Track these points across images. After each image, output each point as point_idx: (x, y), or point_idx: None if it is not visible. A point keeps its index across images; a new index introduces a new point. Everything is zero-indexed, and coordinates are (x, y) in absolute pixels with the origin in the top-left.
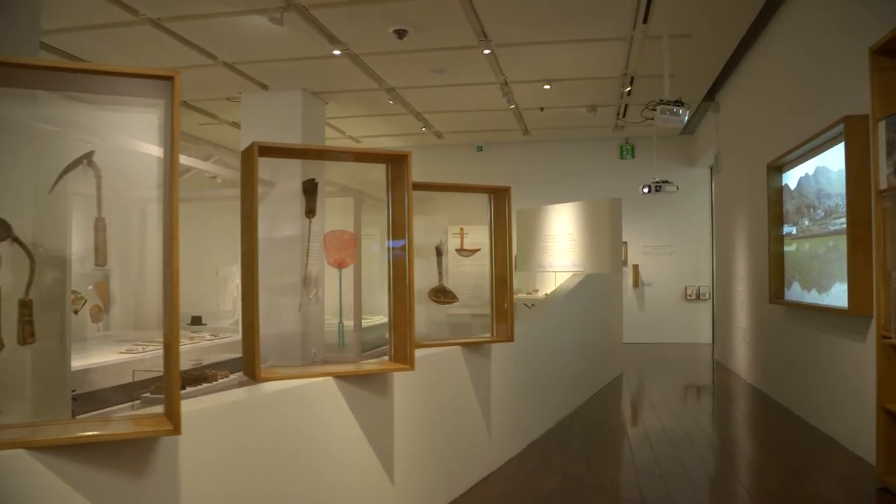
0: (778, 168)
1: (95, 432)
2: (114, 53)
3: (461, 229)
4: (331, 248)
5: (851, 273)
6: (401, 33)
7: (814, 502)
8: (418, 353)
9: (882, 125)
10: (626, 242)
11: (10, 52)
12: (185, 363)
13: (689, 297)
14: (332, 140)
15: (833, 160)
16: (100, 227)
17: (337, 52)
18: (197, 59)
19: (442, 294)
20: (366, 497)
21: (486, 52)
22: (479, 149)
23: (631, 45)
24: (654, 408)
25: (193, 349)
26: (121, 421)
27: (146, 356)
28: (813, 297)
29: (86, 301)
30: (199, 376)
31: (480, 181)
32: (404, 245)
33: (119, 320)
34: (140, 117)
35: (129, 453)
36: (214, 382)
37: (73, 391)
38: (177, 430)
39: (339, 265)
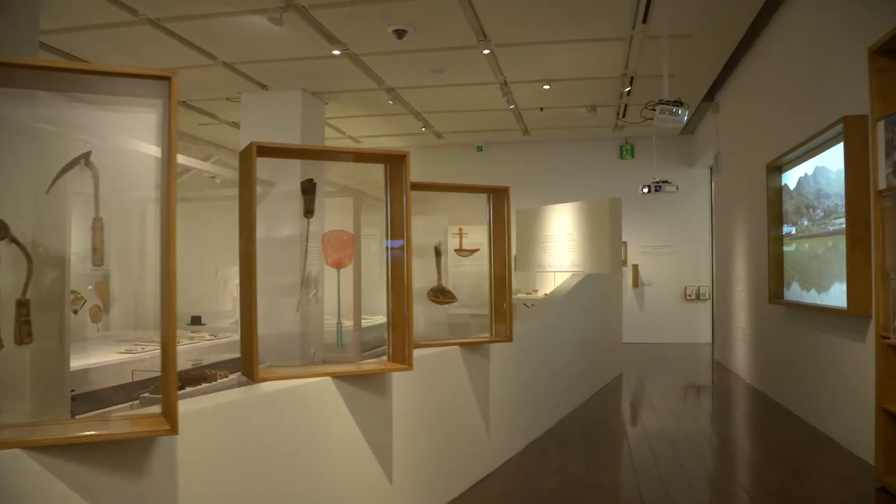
0: (777, 168)
1: (92, 432)
2: (114, 53)
3: (460, 229)
4: (329, 249)
5: (850, 273)
6: (400, 33)
7: (812, 502)
8: (417, 353)
9: (881, 125)
10: (625, 242)
11: (9, 53)
12: (185, 363)
13: (688, 297)
14: (332, 140)
15: (832, 160)
16: (97, 227)
17: (336, 53)
18: (196, 59)
19: (441, 294)
20: (364, 497)
21: (486, 52)
22: (479, 149)
23: (630, 46)
24: (653, 408)
25: (193, 349)
26: (118, 421)
27: (145, 356)
28: (812, 297)
29: (85, 301)
30: (198, 376)
31: (480, 181)
32: (403, 245)
33: (119, 320)
34: (140, 117)
35: (127, 453)
36: (214, 382)
37: (72, 391)
38: (174, 430)
39: (338, 265)
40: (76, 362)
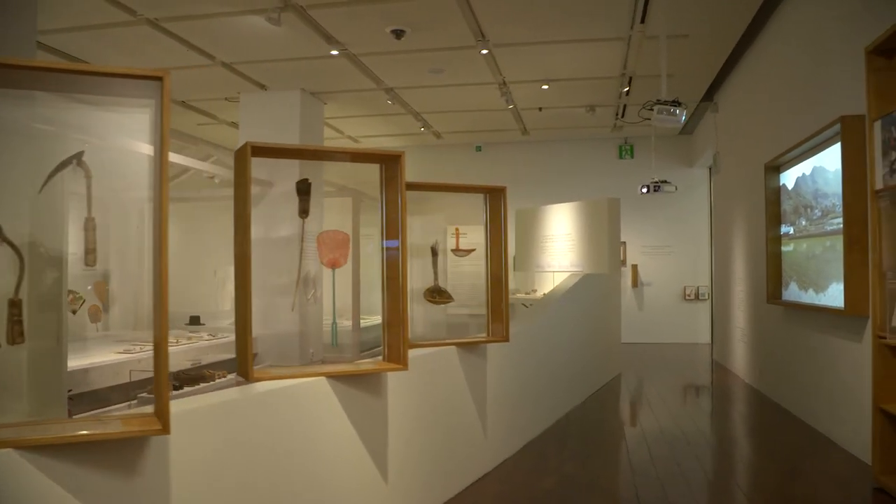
0: (775, 168)
1: (84, 432)
2: (113, 54)
3: (456, 229)
4: (324, 248)
5: (848, 273)
6: (398, 33)
7: (810, 503)
8: (413, 353)
9: (878, 125)
10: (624, 242)
11: (6, 54)
12: (183, 363)
13: (687, 297)
14: (332, 140)
15: (830, 160)
16: (90, 227)
17: (335, 53)
18: (195, 60)
19: (437, 294)
20: (359, 497)
21: (484, 52)
22: (478, 149)
23: (629, 46)
24: (651, 408)
25: (191, 349)
26: (110, 421)
27: (143, 356)
28: (810, 298)
29: (84, 301)
30: (196, 376)
31: (479, 181)
32: (398, 245)
33: (118, 320)
34: (137, 117)
35: (120, 453)
36: (212, 382)
37: (70, 391)
38: (165, 429)
39: (333, 265)
40: (75, 362)
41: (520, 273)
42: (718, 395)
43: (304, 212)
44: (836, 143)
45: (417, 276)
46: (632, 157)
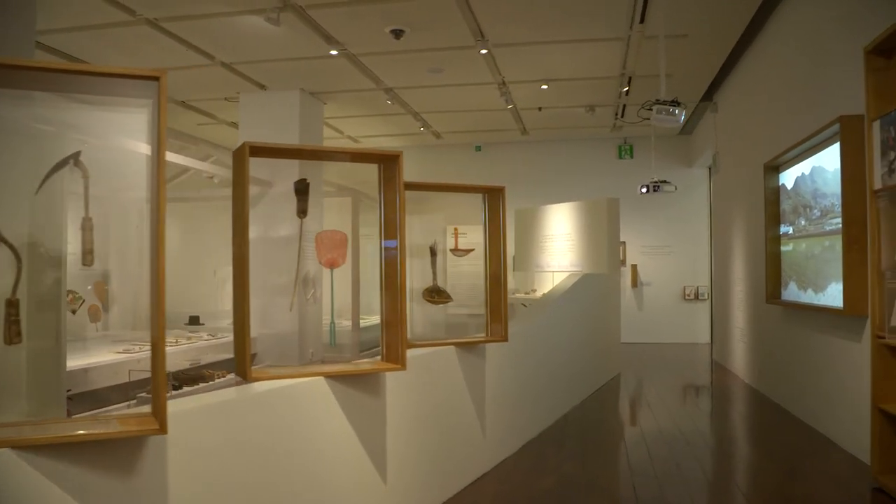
0: (775, 168)
1: (81, 432)
2: (113, 54)
3: (455, 229)
4: (322, 248)
5: (846, 273)
6: (397, 33)
7: (808, 503)
8: (411, 353)
9: (877, 125)
10: (624, 242)
11: (5, 54)
12: (183, 363)
13: (687, 297)
14: (331, 140)
15: (829, 160)
16: (87, 226)
17: (334, 53)
18: (195, 59)
19: (436, 294)
20: (358, 497)
21: (484, 52)
22: (478, 149)
23: (628, 46)
24: (650, 408)
25: (191, 349)
26: (108, 421)
27: (142, 356)
28: (809, 297)
29: (84, 301)
30: (196, 376)
31: (479, 181)
32: (396, 245)
33: (118, 320)
34: (138, 117)
35: (118, 453)
36: (212, 382)
37: (69, 391)
38: (163, 429)
39: (331, 265)
40: (74, 362)
41: (519, 273)
42: (718, 395)
43: (302, 212)
44: (835, 142)
45: (417, 276)
46: (631, 156)
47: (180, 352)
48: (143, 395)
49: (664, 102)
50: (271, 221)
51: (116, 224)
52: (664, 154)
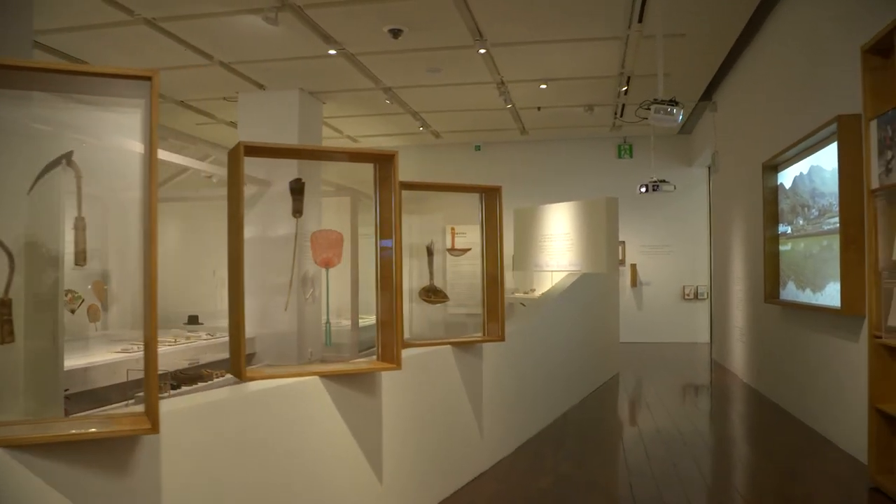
0: (773, 167)
1: (74, 431)
2: (113, 53)
3: (452, 229)
4: (317, 248)
5: (844, 273)
6: (396, 33)
7: (806, 502)
8: (407, 352)
9: (874, 124)
10: (623, 242)
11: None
12: (182, 362)
13: (686, 297)
14: (331, 139)
15: (827, 159)
16: (80, 226)
17: (332, 52)
18: (193, 59)
19: (433, 293)
20: (354, 497)
21: (482, 51)
22: (478, 148)
23: (627, 45)
24: (649, 408)
25: (189, 348)
26: (100, 420)
27: (141, 355)
28: (807, 297)
29: (83, 300)
30: (194, 375)
31: (478, 180)
32: (391, 245)
33: (117, 320)
34: (136, 117)
35: (112, 452)
36: (210, 382)
37: (66, 390)
38: (155, 429)
39: (326, 265)
40: (73, 361)
41: (518, 272)
42: (716, 395)
43: (297, 211)
44: (832, 142)
45: (416, 276)
46: (630, 156)
47: (179, 351)
48: (140, 394)
49: (662, 102)
50: (270, 221)
51: (116, 224)
52: (663, 153)
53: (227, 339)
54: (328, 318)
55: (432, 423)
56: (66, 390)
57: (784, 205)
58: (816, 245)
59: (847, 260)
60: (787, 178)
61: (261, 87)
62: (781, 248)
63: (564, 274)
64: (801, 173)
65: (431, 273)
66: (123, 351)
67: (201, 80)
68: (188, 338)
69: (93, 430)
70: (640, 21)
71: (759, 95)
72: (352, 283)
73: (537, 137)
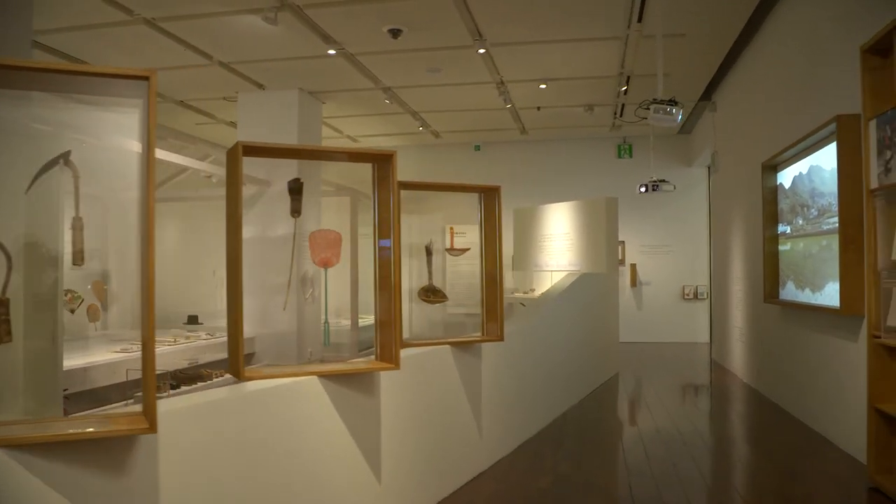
0: (773, 167)
1: (71, 431)
2: (112, 53)
3: (451, 228)
4: (316, 248)
5: (843, 272)
6: (395, 33)
7: (805, 502)
8: (406, 352)
9: (873, 124)
10: (623, 242)
11: (2, 54)
12: (181, 362)
13: (686, 297)
14: (330, 139)
15: (826, 159)
16: (77, 226)
17: (332, 52)
18: (193, 59)
19: (431, 293)
20: (352, 497)
21: (482, 51)
22: (477, 148)
23: (626, 45)
24: (649, 407)
25: (189, 348)
26: (98, 419)
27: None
28: (807, 297)
29: (83, 300)
30: (194, 375)
31: (478, 180)
32: (390, 245)
33: (117, 319)
34: (136, 117)
35: (109, 452)
36: (209, 381)
37: (65, 390)
38: (152, 428)
39: (325, 264)
40: (73, 361)
41: (518, 272)
42: (716, 395)
43: (295, 211)
44: (831, 142)
45: (415, 276)
46: (630, 156)
47: (178, 351)
48: (140, 394)
49: (661, 102)
50: (269, 221)
51: (115, 224)
52: (663, 153)
53: (226, 339)
54: (327, 318)
55: (431, 422)
56: (65, 390)
57: (783, 205)
58: (816, 245)
59: (846, 260)
60: (786, 177)
61: (260, 86)
62: (781, 247)
63: (564, 274)
64: (800, 173)
65: (430, 273)
66: (123, 351)
67: (201, 80)
68: (188, 338)
69: (90, 429)
70: (639, 21)
71: (759, 95)
72: (351, 283)
73: (537, 137)
